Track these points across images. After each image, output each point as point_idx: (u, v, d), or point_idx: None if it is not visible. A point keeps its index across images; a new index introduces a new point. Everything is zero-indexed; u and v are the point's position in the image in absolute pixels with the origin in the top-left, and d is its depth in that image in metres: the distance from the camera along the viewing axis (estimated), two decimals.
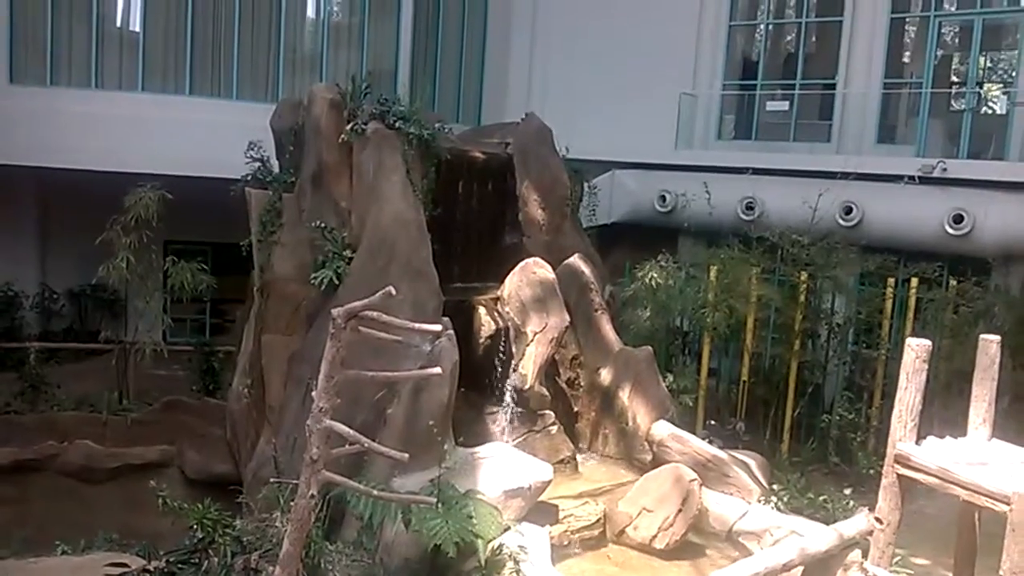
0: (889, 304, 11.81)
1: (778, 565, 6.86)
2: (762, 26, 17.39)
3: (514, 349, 9.34)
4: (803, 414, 11.79)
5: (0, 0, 14.13)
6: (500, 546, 7.00)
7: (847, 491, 9.13)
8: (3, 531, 9.91)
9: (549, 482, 7.91)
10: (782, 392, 11.92)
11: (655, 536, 8.06)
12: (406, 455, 5.17)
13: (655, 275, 11.55)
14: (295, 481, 5.56)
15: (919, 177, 13.15)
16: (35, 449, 11.31)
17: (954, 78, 16.69)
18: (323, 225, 9.48)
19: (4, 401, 12.49)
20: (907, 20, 16.12)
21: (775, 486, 8.99)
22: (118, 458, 11.47)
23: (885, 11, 15.03)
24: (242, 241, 10.46)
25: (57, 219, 16.15)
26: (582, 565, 7.88)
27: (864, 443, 10.97)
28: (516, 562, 6.91)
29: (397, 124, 9.70)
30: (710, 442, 9.59)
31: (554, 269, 9.80)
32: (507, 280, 9.68)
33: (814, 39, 17.05)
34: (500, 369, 9.33)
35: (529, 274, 9.60)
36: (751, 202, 14.17)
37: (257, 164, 10.95)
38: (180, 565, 6.86)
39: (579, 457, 9.58)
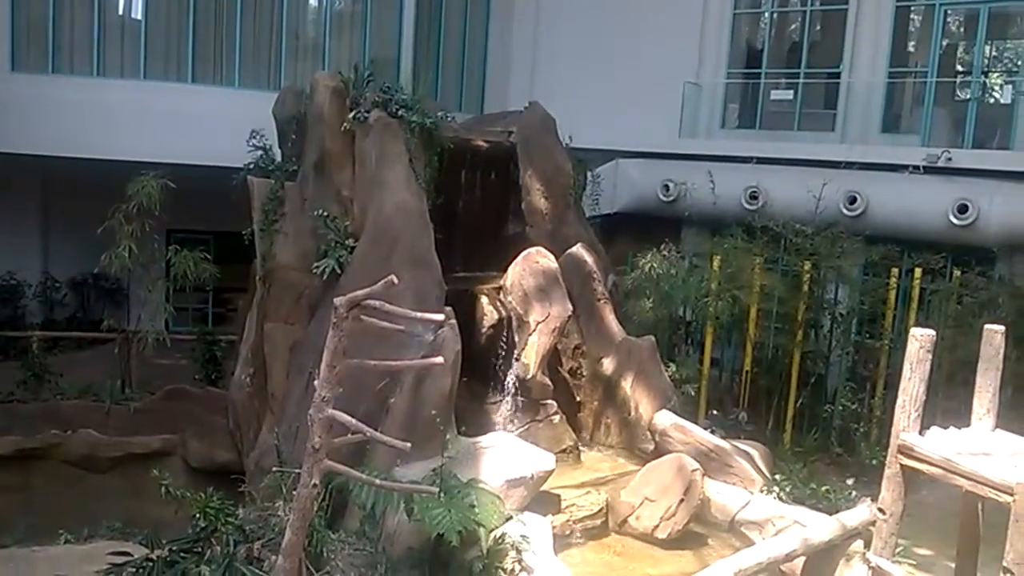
0: (893, 294, 11.77)
1: (780, 555, 6.88)
2: (767, 14, 17.28)
3: (516, 339, 9.33)
4: (806, 404, 11.76)
5: None
6: (502, 535, 7.00)
7: (850, 481, 9.10)
8: (7, 520, 9.92)
9: (551, 472, 7.91)
10: (785, 382, 11.89)
11: (657, 526, 8.07)
12: (408, 444, 5.17)
13: (655, 264, 11.52)
14: (297, 470, 5.57)
15: (924, 167, 13.10)
16: (38, 438, 11.32)
17: (959, 67, 16.59)
18: (325, 214, 9.47)
19: (7, 390, 12.48)
20: (912, 8, 15.99)
21: (777, 476, 8.97)
22: (121, 447, 11.48)
23: None
24: (244, 230, 10.45)
25: (59, 208, 16.16)
26: (584, 555, 7.89)
27: (867, 433, 10.94)
28: (518, 551, 6.91)
29: (400, 112, 9.67)
30: (712, 432, 9.59)
31: (557, 258, 9.78)
32: (510, 269, 9.66)
33: (819, 27, 16.96)
34: (502, 359, 9.33)
35: (532, 263, 9.57)
36: (755, 191, 14.11)
37: (259, 152, 10.94)
38: (183, 554, 6.84)
39: (581, 447, 9.59)
